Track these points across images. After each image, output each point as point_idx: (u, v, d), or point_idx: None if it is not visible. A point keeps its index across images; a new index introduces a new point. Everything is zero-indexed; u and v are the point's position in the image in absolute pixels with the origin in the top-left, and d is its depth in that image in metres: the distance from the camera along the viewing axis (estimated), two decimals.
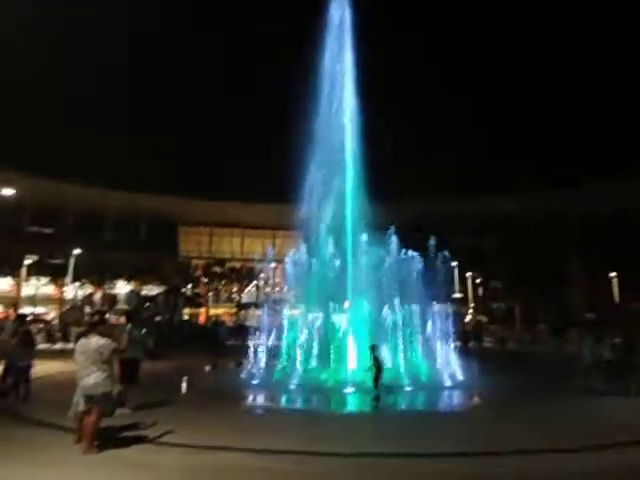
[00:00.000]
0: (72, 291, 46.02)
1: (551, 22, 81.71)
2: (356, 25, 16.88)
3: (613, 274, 45.95)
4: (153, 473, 5.86)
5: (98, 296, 47.69)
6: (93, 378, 6.64)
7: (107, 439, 6.95)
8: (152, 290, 51.86)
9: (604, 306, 41.77)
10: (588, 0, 74.11)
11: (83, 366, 6.72)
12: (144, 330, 10.70)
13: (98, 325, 7.30)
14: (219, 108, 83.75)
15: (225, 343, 24.88)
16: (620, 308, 42.38)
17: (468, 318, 45.27)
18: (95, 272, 45.48)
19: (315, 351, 13.96)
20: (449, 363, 13.58)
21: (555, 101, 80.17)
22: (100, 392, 6.64)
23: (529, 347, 27.95)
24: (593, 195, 50.31)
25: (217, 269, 55.72)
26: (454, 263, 39.93)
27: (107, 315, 9.64)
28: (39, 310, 44.78)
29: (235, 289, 58.99)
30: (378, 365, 10.80)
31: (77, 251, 40.26)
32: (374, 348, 11.10)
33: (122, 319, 10.11)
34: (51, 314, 45.42)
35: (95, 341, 6.83)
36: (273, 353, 14.38)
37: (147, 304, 45.43)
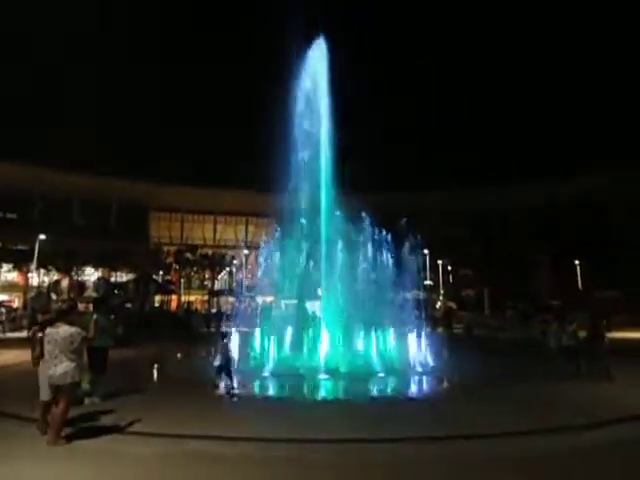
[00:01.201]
0: (38, 278, 44.64)
1: (511, 24, 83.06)
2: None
3: (577, 262, 47.50)
4: (122, 463, 5.77)
5: (65, 283, 46.46)
6: (62, 368, 6.47)
7: (75, 429, 6.82)
8: (122, 277, 50.91)
9: (569, 293, 43.27)
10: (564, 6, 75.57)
11: (51, 355, 6.54)
12: (112, 317, 10.45)
13: (68, 313, 7.09)
14: (191, 91, 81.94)
15: (197, 330, 24.71)
16: (584, 294, 43.99)
17: (438, 305, 46.17)
18: (62, 258, 44.19)
19: (289, 338, 13.99)
20: (420, 349, 13.80)
21: (522, 94, 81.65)
22: (69, 382, 6.48)
23: (498, 333, 28.74)
24: (557, 187, 51.89)
25: (189, 256, 55.00)
26: (425, 251, 40.53)
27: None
28: (2, 297, 43.44)
29: (207, 276, 58.45)
30: (226, 355, 10.19)
31: (43, 237, 38.97)
32: (224, 336, 10.71)
33: (85, 306, 9.85)
34: (16, 301, 44.11)
35: (64, 330, 6.64)
36: (246, 340, 14.32)
37: (117, 291, 44.54)
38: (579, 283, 47.34)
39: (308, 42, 16.31)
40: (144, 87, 77.31)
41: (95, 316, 9.18)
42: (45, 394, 6.64)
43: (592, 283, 44.87)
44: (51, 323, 6.90)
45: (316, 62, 16.05)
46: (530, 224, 52.15)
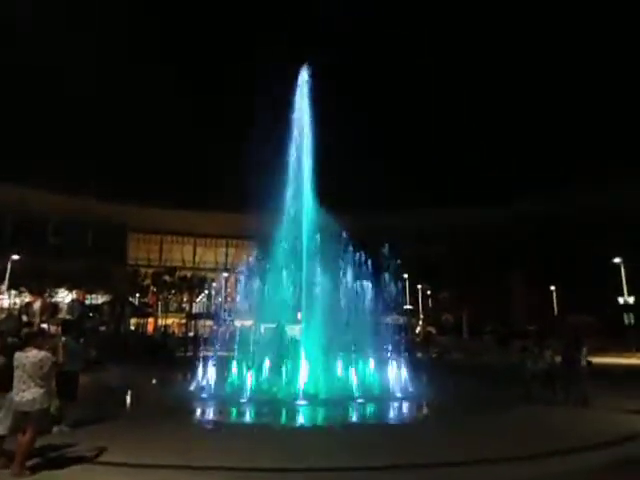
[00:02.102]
0: (9, 299, 43.27)
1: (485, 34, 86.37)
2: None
3: (552, 287, 48.41)
4: None
5: (37, 305, 45.10)
6: (30, 394, 6.23)
7: (42, 460, 6.53)
8: (97, 299, 49.75)
9: (544, 317, 43.93)
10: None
11: (19, 381, 6.30)
12: (82, 340, 10.15)
13: (36, 337, 6.88)
14: (171, 112, 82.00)
15: (174, 354, 24.18)
16: (559, 319, 44.71)
17: (418, 329, 46.27)
18: (35, 279, 43.00)
19: (267, 363, 13.79)
20: (400, 375, 13.75)
21: (498, 107, 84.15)
22: (37, 408, 6.23)
23: (475, 357, 28.85)
24: (525, 214, 53.31)
25: (167, 278, 54.20)
26: (405, 275, 40.80)
27: (44, 325, 9.06)
28: None
29: (185, 299, 57.60)
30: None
31: (15, 257, 37.94)
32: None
33: (56, 329, 9.55)
34: None
35: (33, 354, 6.43)
36: (224, 365, 14.06)
37: (91, 314, 43.40)
38: (555, 308, 48.15)
39: (289, 66, 16.59)
40: (124, 106, 77.13)
41: (64, 339, 8.89)
42: (3, 427, 6.32)
43: (566, 308, 45.70)
44: (20, 347, 6.68)
45: (299, 93, 16.32)
46: (504, 246, 53.10)
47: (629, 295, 36.59)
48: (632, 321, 35.28)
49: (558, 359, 12.89)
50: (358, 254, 16.35)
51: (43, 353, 6.54)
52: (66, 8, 59.88)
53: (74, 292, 49.19)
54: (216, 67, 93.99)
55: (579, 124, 69.95)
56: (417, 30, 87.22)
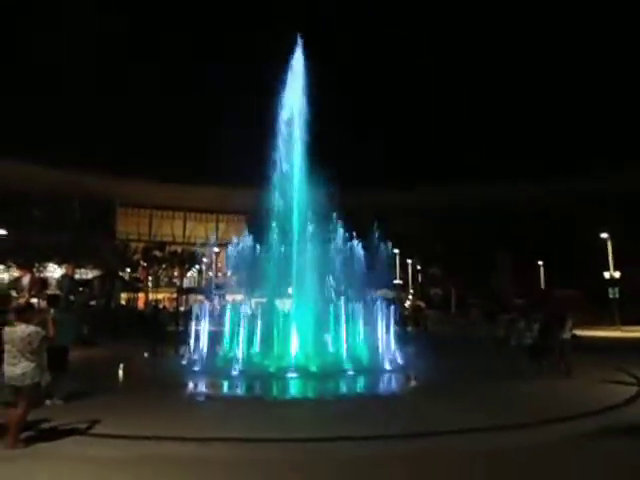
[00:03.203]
0: None
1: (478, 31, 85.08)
2: None
3: (540, 262, 49.04)
4: (87, 467, 5.60)
5: (26, 280, 44.73)
6: (20, 368, 6.23)
7: (35, 432, 6.58)
8: (87, 274, 49.46)
9: (531, 292, 44.64)
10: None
11: (9, 355, 6.29)
12: (71, 315, 10.09)
13: (25, 311, 6.83)
14: (160, 84, 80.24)
15: (165, 329, 24.22)
16: (545, 293, 45.48)
17: (408, 303, 46.82)
18: (23, 254, 42.54)
19: (258, 336, 13.90)
20: (389, 347, 13.96)
21: (491, 92, 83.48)
22: (28, 383, 6.24)
23: (463, 330, 29.33)
24: (523, 190, 53.58)
25: (157, 253, 53.96)
26: (395, 250, 41.03)
27: (34, 300, 8.98)
28: None
29: (176, 274, 57.54)
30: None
31: (2, 232, 37.40)
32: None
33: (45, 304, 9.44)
34: None
35: (22, 329, 6.40)
36: (215, 339, 14.15)
37: (81, 288, 43.20)
38: (542, 282, 48.91)
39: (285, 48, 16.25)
40: (113, 81, 75.17)
41: (52, 312, 8.83)
42: None
43: (553, 282, 46.46)
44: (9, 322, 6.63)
45: (292, 70, 16.00)
46: (492, 223, 53.52)
47: (615, 270, 37.19)
48: (617, 295, 35.95)
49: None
50: (348, 230, 16.37)
51: (32, 327, 6.51)
52: None
53: (63, 267, 48.84)
54: (205, 36, 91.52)
55: (567, 111, 69.77)
56: (416, 25, 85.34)
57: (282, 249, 15.14)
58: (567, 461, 5.87)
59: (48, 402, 8.32)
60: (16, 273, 44.39)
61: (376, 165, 57.45)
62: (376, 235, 17.44)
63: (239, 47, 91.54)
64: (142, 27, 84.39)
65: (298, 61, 15.92)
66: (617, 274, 37.00)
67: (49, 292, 11.10)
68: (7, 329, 6.46)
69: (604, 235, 37.56)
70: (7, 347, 6.32)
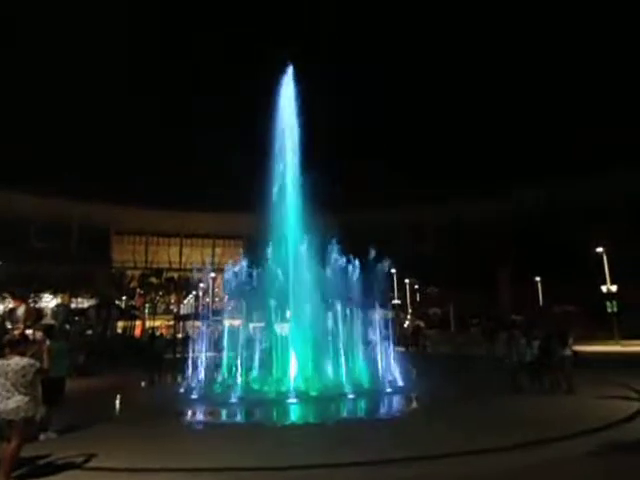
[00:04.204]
0: None
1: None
2: None
3: (537, 278, 49.00)
4: None
5: (21, 310, 44.33)
6: (13, 402, 6.11)
7: (29, 468, 6.42)
8: (83, 303, 49.09)
9: (530, 308, 44.49)
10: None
11: (2, 389, 6.18)
12: (66, 345, 9.98)
13: (19, 344, 6.74)
14: (155, 112, 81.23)
15: (162, 356, 23.94)
16: (544, 310, 45.32)
17: (407, 324, 46.56)
18: (18, 284, 42.25)
19: (257, 362, 13.76)
20: (389, 369, 13.83)
21: (484, 105, 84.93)
22: (21, 416, 6.12)
23: (463, 349, 29.13)
24: (509, 209, 53.96)
25: (154, 280, 53.66)
26: (393, 270, 41.01)
27: (29, 331, 8.89)
28: None
29: (173, 300, 57.13)
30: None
31: None
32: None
33: (40, 334, 9.33)
34: None
35: (16, 361, 6.30)
36: (213, 365, 14.00)
37: (77, 318, 42.81)
38: (540, 299, 48.78)
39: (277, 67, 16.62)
40: (108, 107, 76.10)
41: (48, 343, 8.72)
42: None
43: (552, 298, 46.33)
44: (2, 355, 6.54)
45: (284, 87, 16.31)
46: (490, 239, 53.67)
47: (612, 284, 37.21)
48: (615, 309, 35.87)
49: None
50: (345, 250, 16.37)
51: (26, 360, 6.42)
52: None
53: (59, 297, 48.47)
54: (201, 68, 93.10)
55: (563, 120, 70.93)
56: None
57: (279, 273, 15.11)
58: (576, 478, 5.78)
59: (42, 436, 8.15)
60: (11, 304, 44.04)
61: (374, 185, 57.92)
62: (373, 255, 17.45)
63: (236, 79, 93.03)
64: (142, 59, 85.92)
65: (289, 88, 16.26)
66: (614, 288, 37.00)
67: (44, 322, 10.99)
68: (0, 362, 6.37)
69: (599, 249, 37.67)
70: (0, 380, 6.22)
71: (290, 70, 16.41)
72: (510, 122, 78.31)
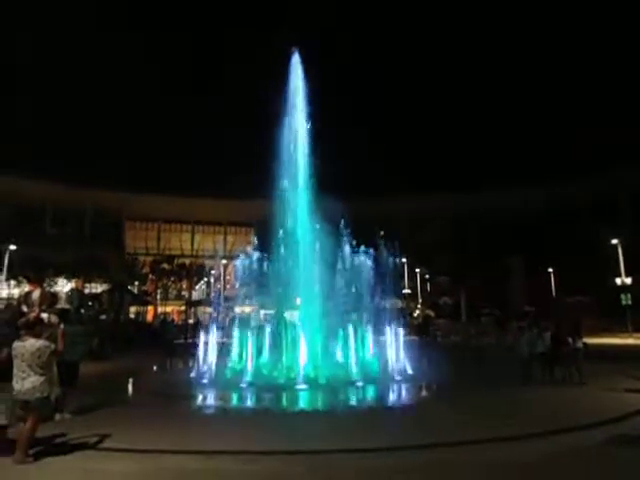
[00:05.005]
0: (7, 289, 43.28)
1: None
2: None
3: (550, 269, 48.52)
4: None
5: (36, 294, 45.02)
6: (29, 382, 6.25)
7: (44, 447, 6.57)
8: (96, 288, 49.75)
9: (542, 299, 44.14)
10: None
11: (18, 370, 6.32)
12: (81, 329, 10.15)
13: (34, 326, 6.86)
14: (168, 100, 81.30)
15: (174, 342, 24.26)
16: (557, 301, 44.93)
17: (417, 313, 46.50)
18: (33, 269, 42.90)
19: (267, 348, 13.86)
20: (399, 357, 13.83)
21: (493, 97, 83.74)
22: (37, 397, 6.26)
23: (474, 339, 29.05)
24: (531, 196, 53.28)
25: (165, 266, 54.14)
26: (404, 259, 40.88)
27: (44, 315, 9.04)
28: None
29: (184, 286, 57.66)
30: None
31: (13, 247, 37.84)
32: None
33: (55, 318, 9.48)
34: None
35: (31, 343, 6.43)
36: (224, 351, 14.12)
37: (90, 302, 43.41)
38: (553, 290, 48.36)
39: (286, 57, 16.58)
40: (119, 94, 76.40)
41: (62, 327, 8.86)
42: (6, 416, 6.42)
43: (565, 290, 45.89)
44: (18, 337, 6.67)
45: (293, 76, 16.29)
46: (503, 230, 53.20)
47: (626, 276, 36.71)
48: (629, 302, 35.42)
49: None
50: (356, 238, 16.34)
51: (41, 342, 6.54)
52: None
53: (73, 281, 49.14)
54: (211, 51, 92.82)
55: (574, 109, 69.69)
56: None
57: (290, 260, 15.14)
58: (584, 470, 5.77)
59: (58, 416, 8.32)
60: (27, 288, 44.78)
61: (386, 173, 57.62)
62: (384, 244, 17.38)
63: (240, 76, 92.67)
64: (156, 49, 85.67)
65: (298, 74, 16.28)
66: (629, 280, 36.52)
67: (59, 306, 11.15)
68: (16, 343, 6.49)
69: (614, 241, 37.11)
70: (16, 362, 6.35)
71: (296, 57, 16.46)
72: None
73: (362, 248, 16.22)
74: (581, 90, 74.30)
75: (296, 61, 16.51)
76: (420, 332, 30.35)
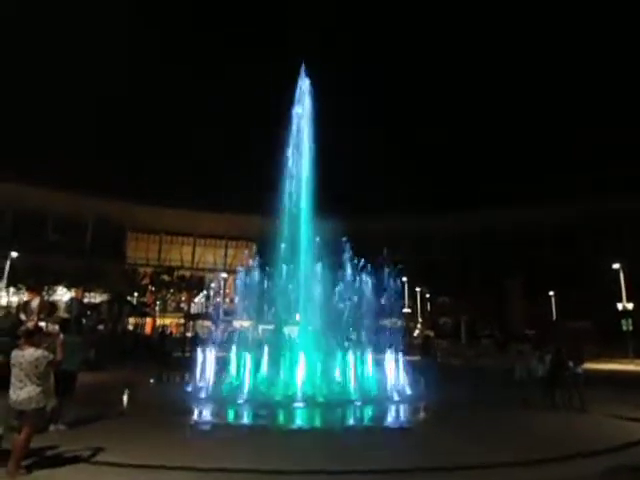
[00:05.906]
0: (6, 297, 43.17)
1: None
2: None
3: (552, 293, 48.33)
4: None
5: (35, 303, 44.87)
6: (26, 392, 6.20)
7: (38, 459, 6.49)
8: (96, 298, 49.62)
9: (543, 323, 43.87)
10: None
11: (15, 379, 6.28)
12: (79, 340, 10.09)
13: (33, 335, 6.83)
14: (172, 110, 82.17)
15: (171, 354, 24.10)
16: (557, 325, 44.63)
17: (417, 333, 46.20)
18: (34, 277, 42.85)
19: (265, 364, 13.76)
20: (398, 377, 13.71)
21: (488, 115, 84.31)
22: (33, 407, 6.20)
23: (474, 361, 28.78)
24: (530, 217, 53.33)
25: (165, 277, 54.01)
26: (404, 278, 40.77)
27: (42, 324, 9.00)
28: None
29: (184, 299, 57.45)
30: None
31: (14, 254, 37.89)
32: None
33: (54, 327, 9.43)
34: None
35: (30, 353, 6.40)
36: (221, 365, 14.02)
37: (89, 312, 43.22)
38: (553, 313, 48.09)
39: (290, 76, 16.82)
40: (124, 103, 77.27)
41: (62, 337, 8.82)
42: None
43: (565, 314, 45.64)
44: (17, 346, 6.64)
45: (299, 93, 16.48)
46: (503, 251, 53.07)
47: (628, 301, 36.54)
48: (630, 327, 35.19)
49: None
50: (356, 257, 16.35)
51: (40, 352, 6.51)
52: None
53: (72, 290, 49.01)
54: (216, 65, 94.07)
55: (576, 132, 70.29)
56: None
57: (290, 276, 15.13)
58: None
59: (52, 428, 8.24)
60: (25, 296, 44.63)
61: (387, 193, 57.87)
62: (384, 262, 17.40)
63: (246, 79, 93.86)
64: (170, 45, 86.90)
65: (305, 87, 16.44)
66: (630, 305, 36.32)
67: (61, 316, 11.10)
68: (15, 352, 6.47)
69: (616, 266, 37.02)
70: (14, 371, 6.31)
71: (302, 69, 16.65)
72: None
73: (362, 264, 16.24)
74: (576, 106, 74.63)
75: (306, 88, 16.55)
76: (422, 352, 30.13)
